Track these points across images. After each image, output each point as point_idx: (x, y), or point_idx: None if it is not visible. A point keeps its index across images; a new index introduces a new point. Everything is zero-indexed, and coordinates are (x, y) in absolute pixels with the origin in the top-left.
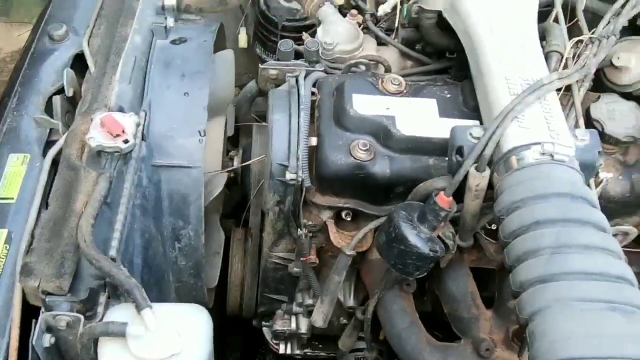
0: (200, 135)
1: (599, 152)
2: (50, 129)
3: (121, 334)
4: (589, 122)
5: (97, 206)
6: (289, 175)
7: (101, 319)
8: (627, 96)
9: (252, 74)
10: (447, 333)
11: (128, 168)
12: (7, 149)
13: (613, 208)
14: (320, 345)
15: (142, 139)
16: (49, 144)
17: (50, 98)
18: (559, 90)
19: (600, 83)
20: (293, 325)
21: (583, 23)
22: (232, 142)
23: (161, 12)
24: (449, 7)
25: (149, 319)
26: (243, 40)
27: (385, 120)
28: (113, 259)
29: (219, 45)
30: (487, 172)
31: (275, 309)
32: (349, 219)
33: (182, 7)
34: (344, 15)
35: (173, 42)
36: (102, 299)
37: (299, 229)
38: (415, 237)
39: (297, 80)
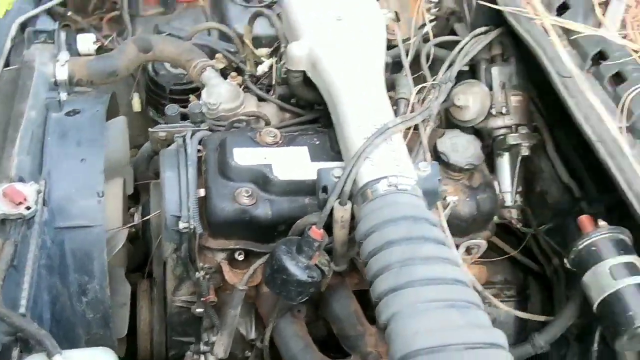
0: (99, 196)
1: (439, 179)
2: None
3: None
4: (437, 155)
5: (5, 269)
6: (181, 225)
7: None
8: (469, 130)
9: (147, 136)
10: (342, 353)
11: (32, 232)
12: None
13: (464, 226)
14: None
15: (44, 205)
16: None
17: None
18: (409, 129)
19: (449, 121)
20: None
21: (426, 72)
22: (134, 199)
23: (54, 88)
24: (310, 67)
25: None
26: (137, 104)
27: (264, 169)
28: (23, 315)
29: (112, 112)
30: (349, 205)
31: (184, 351)
32: (241, 258)
33: (74, 81)
34: (226, 77)
35: (67, 114)
36: (15, 353)
37: (196, 272)
38: (294, 267)
39: (184, 140)
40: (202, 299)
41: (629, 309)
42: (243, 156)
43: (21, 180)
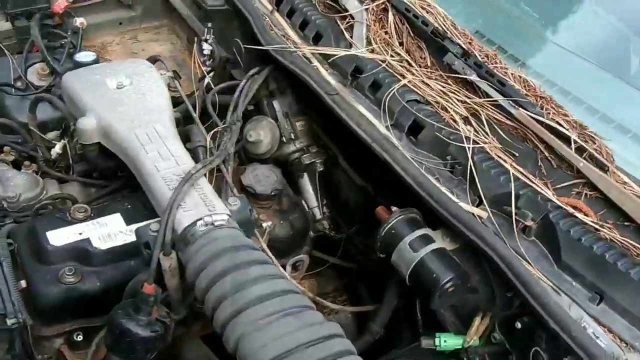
0: None
1: (250, 209)
2: None
3: None
4: (244, 189)
5: None
6: (10, 321)
7: None
8: (268, 161)
9: None
10: None
11: None
12: None
13: (285, 246)
14: None
15: None
16: None
17: None
18: (212, 172)
19: (247, 157)
20: None
21: (215, 118)
22: None
23: None
24: (103, 137)
25: None
26: None
27: (82, 243)
28: None
29: None
30: (174, 254)
31: None
32: (80, 338)
33: None
34: (19, 168)
35: None
36: None
37: None
38: (136, 327)
39: None
40: None
41: (433, 272)
42: (58, 237)
43: None
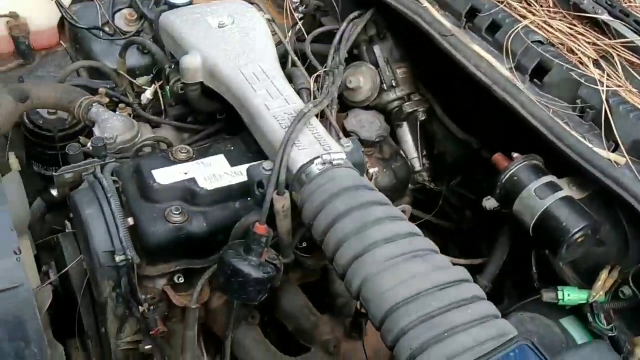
0: (16, 254)
1: (362, 152)
2: None
3: None
4: (347, 135)
5: None
6: (118, 258)
7: None
8: (366, 108)
9: (35, 195)
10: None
11: None
12: None
13: (388, 195)
14: None
15: None
16: None
17: None
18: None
19: (344, 104)
20: None
21: (315, 62)
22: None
23: None
24: (207, 76)
25: None
26: (15, 163)
27: (188, 183)
28: None
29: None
30: (287, 193)
31: None
32: (181, 280)
33: None
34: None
35: None
36: None
37: (140, 307)
38: (248, 267)
39: (95, 175)
40: (150, 332)
41: (562, 221)
42: (164, 176)
43: None
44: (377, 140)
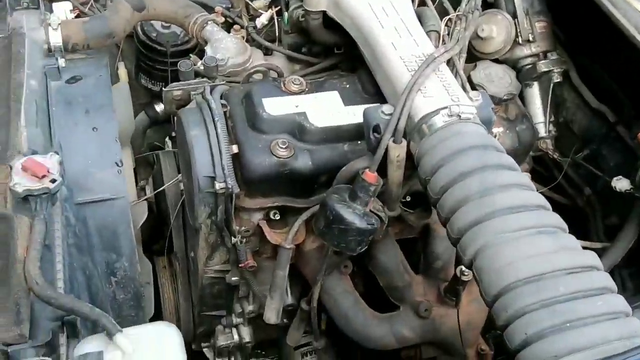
0: (118, 166)
1: (492, 108)
2: None
3: None
4: (473, 88)
5: (39, 249)
6: (218, 185)
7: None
8: (494, 62)
9: (137, 107)
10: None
11: (55, 209)
12: None
13: None
14: (264, 353)
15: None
16: None
17: None
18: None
19: (471, 54)
20: (236, 337)
21: (447, 4)
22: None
23: (49, 54)
24: (332, 6)
25: (124, 343)
26: (123, 74)
27: (298, 117)
28: None
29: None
30: (404, 142)
31: (214, 326)
32: (277, 217)
33: (69, 47)
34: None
35: (68, 81)
36: (62, 339)
37: (232, 237)
38: (352, 215)
39: (204, 96)
40: (239, 265)
41: None
42: (274, 106)
43: (34, 153)
44: (505, 98)
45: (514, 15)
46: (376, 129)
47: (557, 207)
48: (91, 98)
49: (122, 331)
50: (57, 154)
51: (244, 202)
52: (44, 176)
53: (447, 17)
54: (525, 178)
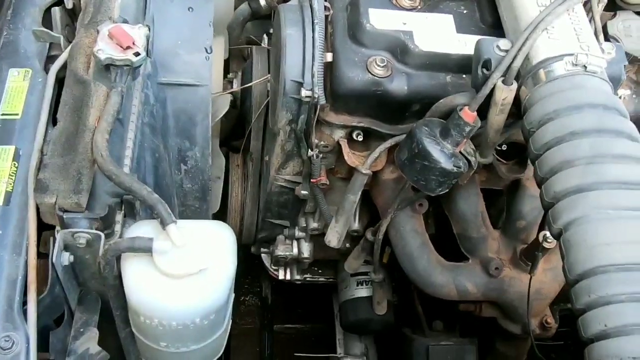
0: (207, 52)
1: (625, 66)
2: (50, 43)
3: (147, 249)
4: (607, 39)
5: (111, 121)
6: (304, 92)
7: (120, 237)
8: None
9: None
10: (450, 255)
11: (135, 84)
12: (6, 64)
13: None
14: (320, 271)
15: (147, 55)
16: (50, 58)
17: (47, 10)
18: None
19: (613, 3)
20: (295, 250)
21: None
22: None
23: None
24: None
25: (175, 235)
26: None
27: (403, 36)
28: None
29: None
30: (515, 85)
31: (276, 234)
32: (360, 139)
33: None
34: None
35: None
36: (119, 217)
37: (309, 150)
38: (439, 153)
39: None
40: (311, 180)
41: None
42: (379, 19)
43: (125, 22)
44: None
45: None
46: (486, 64)
47: None
48: None
49: (176, 222)
50: (148, 27)
51: (328, 116)
52: (128, 47)
53: None
54: None
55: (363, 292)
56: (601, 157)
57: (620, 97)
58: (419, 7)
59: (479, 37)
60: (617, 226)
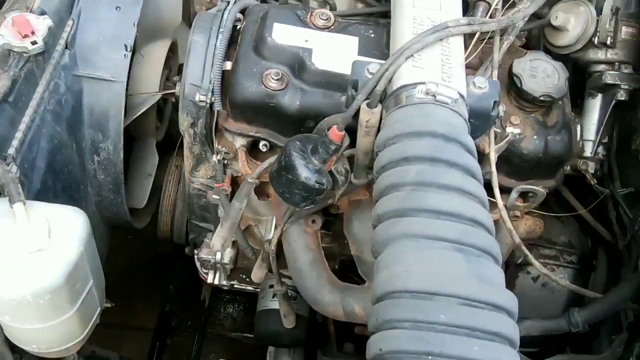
0: (126, 50)
1: (495, 102)
2: None
3: None
4: (510, 77)
5: None
6: (198, 96)
7: None
8: (560, 58)
9: None
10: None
11: (43, 72)
12: None
13: (526, 167)
14: (248, 279)
15: (66, 47)
16: None
17: None
18: (482, 41)
19: (538, 43)
20: (218, 256)
21: None
22: None
23: None
24: None
25: (19, 213)
26: None
27: (302, 52)
28: (12, 157)
29: None
30: (379, 108)
31: (203, 237)
32: (264, 149)
33: None
34: None
35: None
36: None
37: (214, 155)
38: (303, 167)
39: (226, 5)
40: (215, 185)
41: None
42: (282, 34)
43: (42, 14)
44: (540, 98)
45: (600, 11)
46: (354, 84)
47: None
48: None
49: (24, 202)
50: (74, 22)
51: (227, 123)
52: (26, 35)
53: None
54: (479, 188)
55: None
56: (425, 186)
57: (510, 134)
58: (332, 27)
59: (378, 61)
60: (423, 255)
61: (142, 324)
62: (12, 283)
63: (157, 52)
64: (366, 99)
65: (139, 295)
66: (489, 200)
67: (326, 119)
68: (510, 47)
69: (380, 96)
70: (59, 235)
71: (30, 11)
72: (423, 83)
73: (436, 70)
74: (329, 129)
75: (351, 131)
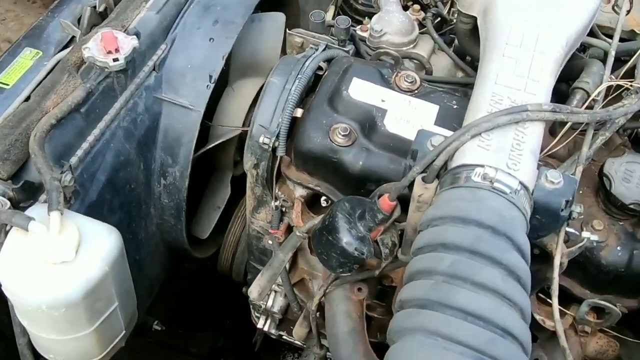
0: (209, 81)
1: (567, 200)
2: (72, 36)
3: (23, 226)
4: (600, 177)
5: (65, 110)
6: (263, 138)
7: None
8: None
9: None
10: None
11: (125, 90)
12: (26, 42)
13: (603, 279)
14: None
15: (154, 69)
16: (64, 48)
17: None
18: (573, 131)
19: None
20: (270, 302)
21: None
22: None
23: None
24: (482, 13)
25: (54, 222)
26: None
27: (375, 111)
28: (69, 166)
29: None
30: (434, 184)
31: None
32: (325, 204)
33: None
34: (406, 9)
35: None
36: (43, 197)
37: (273, 200)
38: (346, 232)
39: (313, 52)
40: (270, 230)
41: None
42: (360, 89)
43: (137, 34)
44: (631, 206)
45: None
46: (414, 155)
47: None
48: (227, 11)
49: (61, 211)
50: (167, 46)
51: (289, 171)
52: (110, 52)
53: (609, 83)
54: (521, 293)
55: None
56: (458, 279)
57: (587, 240)
58: (416, 91)
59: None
60: (435, 356)
61: (198, 352)
62: (30, 290)
63: (247, 88)
64: (423, 171)
65: (203, 323)
66: (560, 309)
67: (384, 185)
68: (609, 143)
69: (439, 171)
70: (86, 251)
71: (125, 30)
72: (481, 166)
73: (502, 155)
74: (379, 197)
75: (405, 203)
